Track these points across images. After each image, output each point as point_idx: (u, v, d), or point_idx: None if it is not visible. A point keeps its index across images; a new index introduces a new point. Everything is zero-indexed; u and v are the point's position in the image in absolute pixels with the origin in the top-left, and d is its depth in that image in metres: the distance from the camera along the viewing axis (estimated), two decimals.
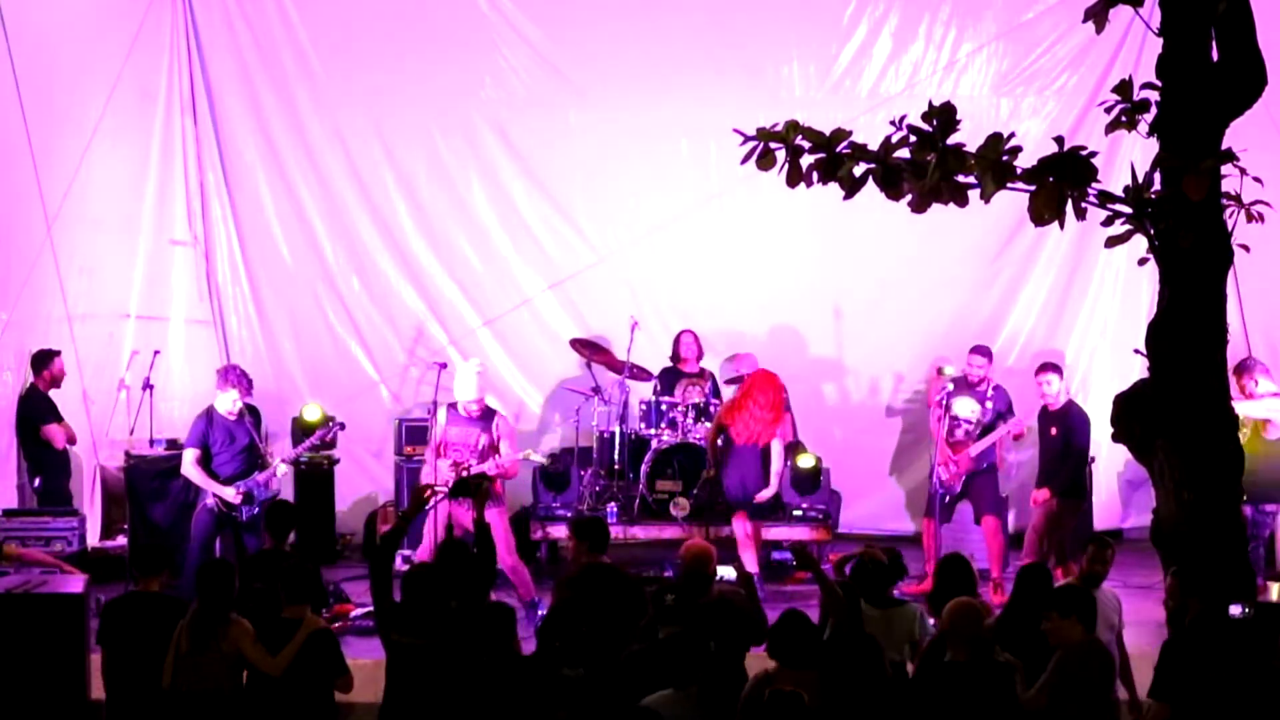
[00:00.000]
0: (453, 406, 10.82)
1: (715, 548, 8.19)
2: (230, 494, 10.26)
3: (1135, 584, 10.46)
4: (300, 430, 12.15)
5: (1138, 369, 9.67)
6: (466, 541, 8.58)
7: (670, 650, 6.90)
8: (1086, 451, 11.30)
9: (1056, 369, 11.43)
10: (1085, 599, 7.14)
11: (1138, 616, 8.48)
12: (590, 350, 12.85)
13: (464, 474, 10.18)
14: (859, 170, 6.96)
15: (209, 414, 10.48)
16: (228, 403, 10.43)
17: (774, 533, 11.74)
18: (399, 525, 8.03)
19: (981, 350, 11.80)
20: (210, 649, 7.32)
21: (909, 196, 6.96)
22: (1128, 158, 10.04)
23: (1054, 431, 11.14)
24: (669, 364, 12.70)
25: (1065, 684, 6.82)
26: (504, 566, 10.54)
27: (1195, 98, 7.03)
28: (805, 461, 12.30)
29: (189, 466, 10.39)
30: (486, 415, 10.76)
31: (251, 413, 10.69)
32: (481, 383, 10.81)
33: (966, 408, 11.41)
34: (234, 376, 10.56)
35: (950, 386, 11.56)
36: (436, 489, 9.80)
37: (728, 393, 12.34)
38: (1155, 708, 6.85)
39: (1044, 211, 6.81)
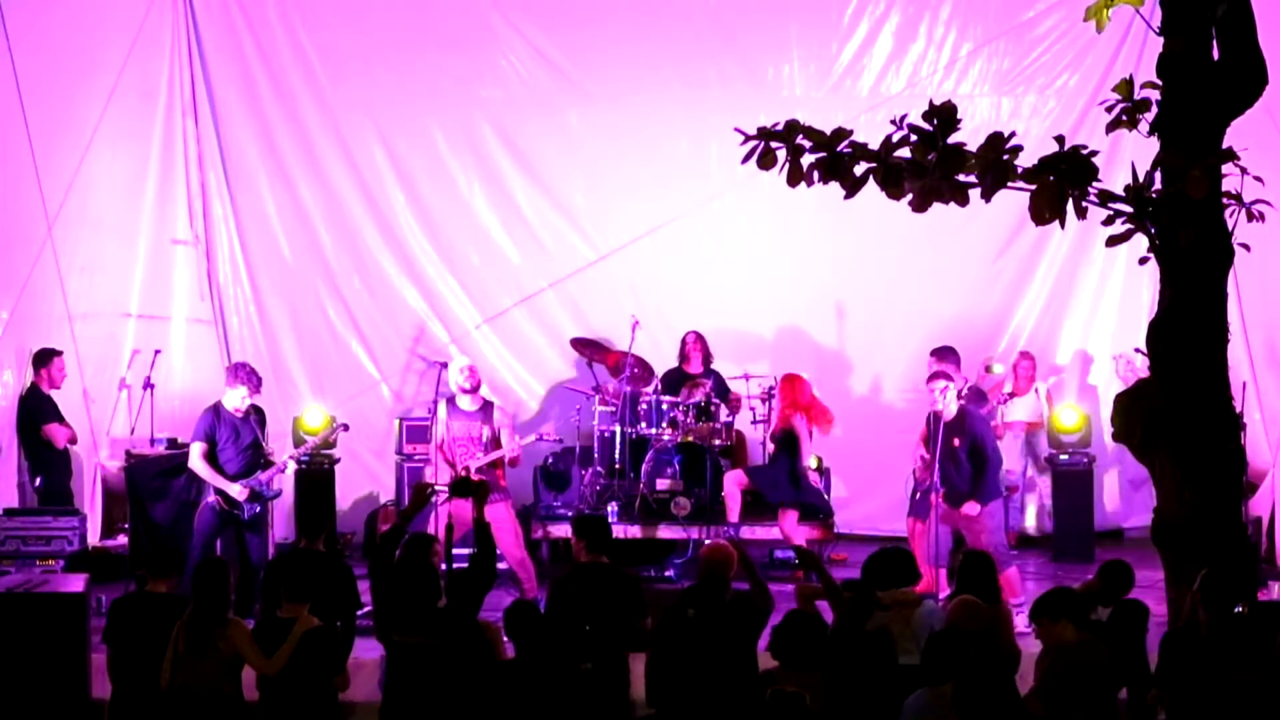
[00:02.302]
0: (452, 401, 10.87)
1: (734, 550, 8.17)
2: (236, 490, 10.24)
3: (1136, 583, 10.42)
4: (300, 434, 12.18)
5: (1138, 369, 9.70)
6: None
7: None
8: (998, 453, 10.82)
9: (949, 377, 10.87)
10: (1073, 600, 7.13)
11: None
12: (591, 349, 12.85)
13: (464, 472, 10.19)
14: (860, 170, 6.96)
15: (217, 409, 10.44)
16: (236, 399, 10.39)
17: (775, 532, 11.73)
18: (399, 524, 8.02)
19: (938, 352, 11.76)
20: (208, 649, 7.30)
21: (910, 196, 6.97)
22: (1128, 157, 9.99)
23: (956, 442, 10.51)
24: (676, 365, 12.70)
25: (1061, 685, 6.82)
26: (512, 560, 10.55)
27: (1196, 97, 7.03)
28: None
29: (196, 460, 10.32)
30: (485, 407, 10.83)
31: (256, 412, 10.68)
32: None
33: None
34: (243, 374, 10.53)
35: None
36: (437, 487, 9.82)
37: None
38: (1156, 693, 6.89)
39: (1045, 211, 6.81)
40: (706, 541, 9.78)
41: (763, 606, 7.66)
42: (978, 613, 7.04)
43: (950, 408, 10.48)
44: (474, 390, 10.82)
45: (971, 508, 10.41)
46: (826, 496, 11.98)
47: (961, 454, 10.46)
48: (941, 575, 10.23)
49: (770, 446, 11.86)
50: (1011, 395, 12.35)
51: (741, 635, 7.27)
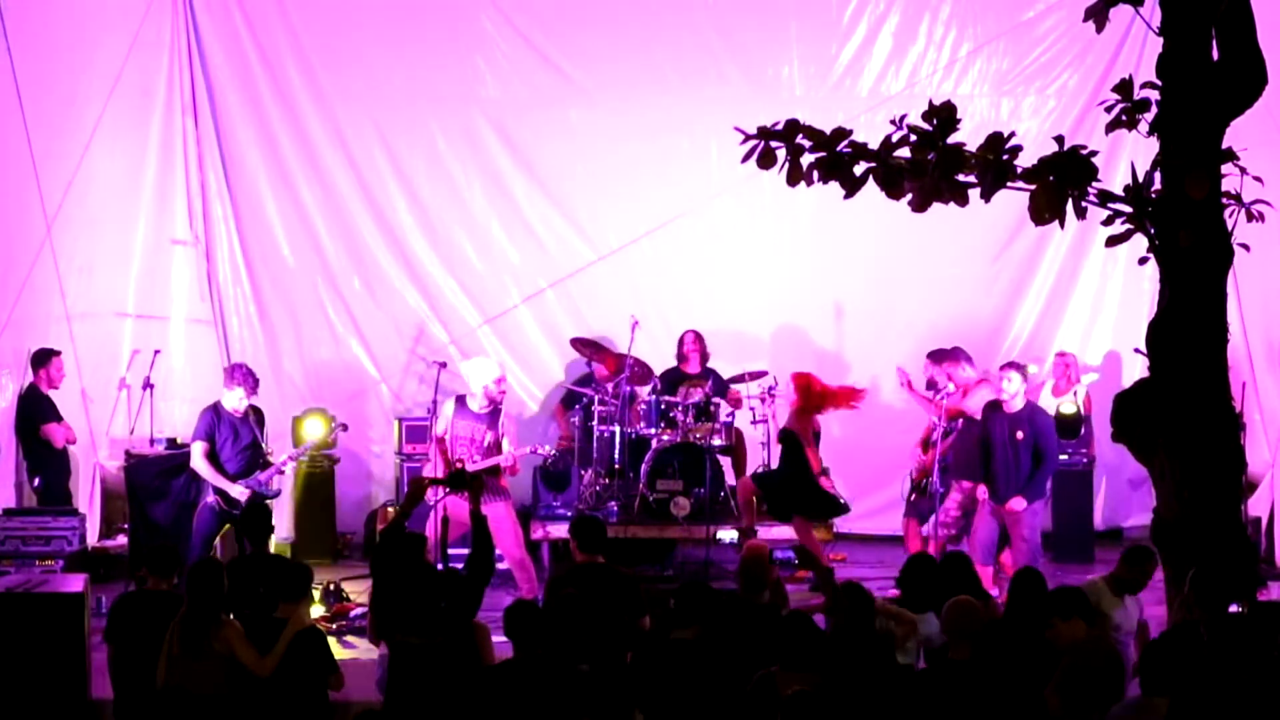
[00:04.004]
0: (461, 400, 10.84)
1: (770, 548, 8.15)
2: (238, 491, 10.24)
3: None
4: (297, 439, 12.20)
5: (1138, 368, 9.70)
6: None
7: (682, 654, 6.92)
8: (1056, 456, 10.94)
9: (1020, 368, 10.92)
10: (1080, 598, 7.14)
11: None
12: (591, 349, 12.85)
13: (459, 466, 10.17)
14: (859, 169, 6.97)
15: (216, 409, 10.46)
16: (234, 400, 10.41)
17: (774, 532, 11.72)
18: (397, 520, 8.02)
19: (934, 355, 11.76)
20: (202, 649, 7.28)
21: (909, 196, 6.98)
22: (1128, 157, 10.05)
23: (1020, 435, 10.57)
24: (674, 364, 12.70)
25: (1077, 683, 6.82)
26: (511, 560, 10.54)
27: (1196, 97, 7.03)
28: None
29: (199, 460, 10.33)
30: (493, 412, 10.80)
31: (255, 412, 10.68)
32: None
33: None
34: (240, 375, 10.55)
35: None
36: (433, 481, 9.81)
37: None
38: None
39: (1044, 211, 6.82)
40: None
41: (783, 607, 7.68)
42: (974, 613, 7.03)
43: (1018, 400, 10.59)
44: (485, 410, 10.77)
45: (1018, 502, 10.49)
46: (840, 498, 11.51)
47: (1024, 449, 10.54)
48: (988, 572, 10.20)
49: (775, 446, 11.79)
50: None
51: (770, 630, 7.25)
